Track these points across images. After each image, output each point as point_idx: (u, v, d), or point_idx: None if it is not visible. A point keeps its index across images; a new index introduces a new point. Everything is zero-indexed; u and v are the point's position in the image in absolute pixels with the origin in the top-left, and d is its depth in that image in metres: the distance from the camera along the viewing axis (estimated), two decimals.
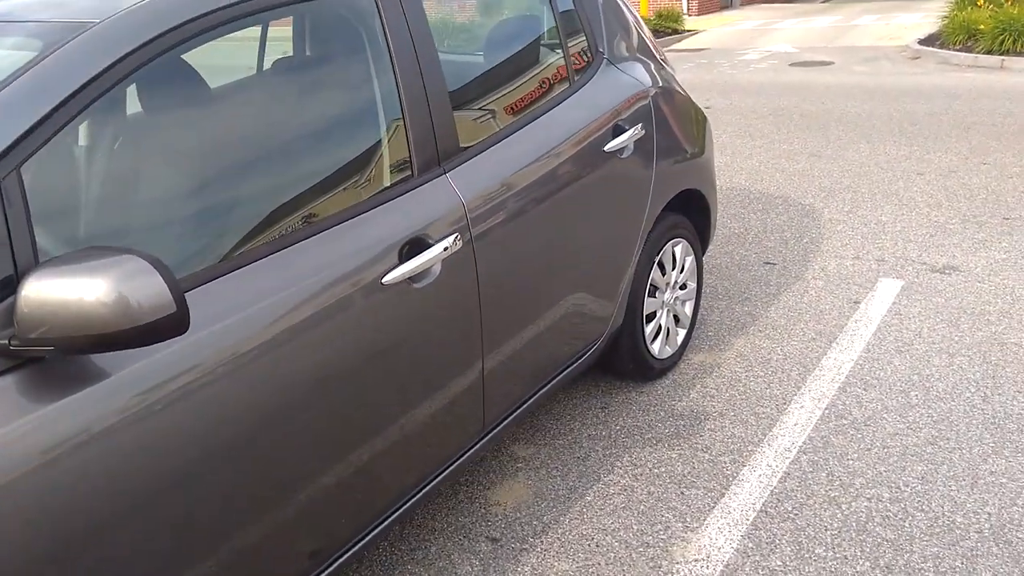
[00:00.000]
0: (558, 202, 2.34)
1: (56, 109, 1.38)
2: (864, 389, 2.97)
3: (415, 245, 1.89)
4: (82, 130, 1.50)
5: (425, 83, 2.00)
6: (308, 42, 2.35)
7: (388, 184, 1.93)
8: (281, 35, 2.72)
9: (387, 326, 1.82)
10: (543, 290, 2.34)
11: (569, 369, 2.58)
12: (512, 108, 2.36)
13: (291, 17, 2.49)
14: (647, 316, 2.94)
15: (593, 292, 2.58)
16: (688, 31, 13.81)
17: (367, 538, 1.92)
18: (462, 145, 2.12)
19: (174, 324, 1.28)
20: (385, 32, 1.95)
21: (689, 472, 2.60)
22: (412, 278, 1.87)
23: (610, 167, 2.56)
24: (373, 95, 1.98)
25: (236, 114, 1.88)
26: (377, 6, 1.95)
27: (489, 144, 2.20)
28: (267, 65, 2.38)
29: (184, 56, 1.66)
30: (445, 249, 1.92)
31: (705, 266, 4.13)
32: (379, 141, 1.98)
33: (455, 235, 1.96)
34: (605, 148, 2.54)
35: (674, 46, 12.70)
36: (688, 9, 16.04)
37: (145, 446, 1.40)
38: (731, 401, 2.97)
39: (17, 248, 1.31)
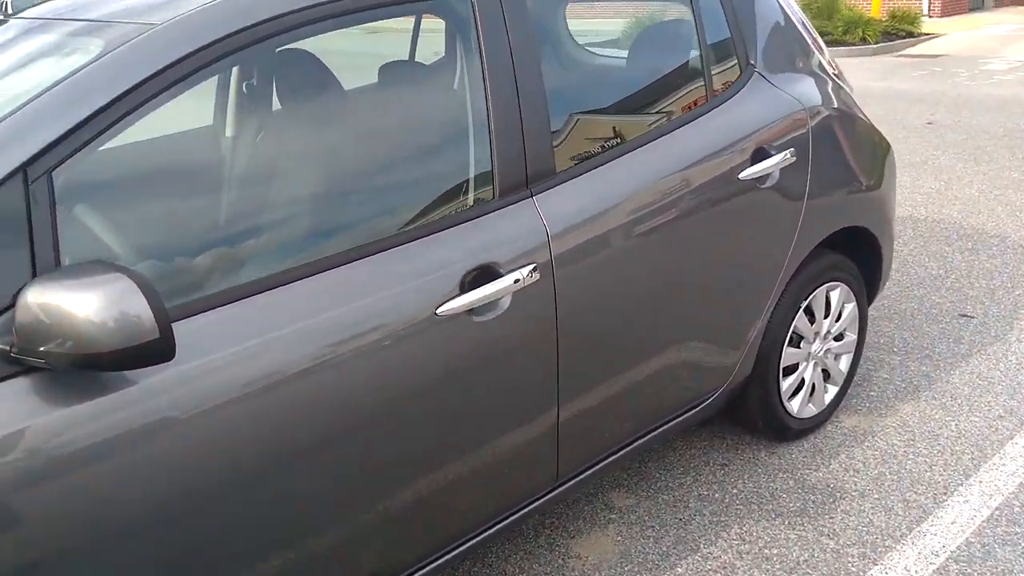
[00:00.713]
0: (672, 235, 2.07)
1: (104, 108, 1.35)
2: None
3: (483, 274, 1.71)
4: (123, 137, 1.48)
5: (520, 95, 1.82)
6: (415, 47, 2.24)
7: (464, 205, 1.77)
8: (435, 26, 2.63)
9: (437, 361, 1.66)
10: (644, 334, 2.08)
11: (674, 422, 2.29)
12: (631, 126, 2.11)
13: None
14: (786, 368, 2.57)
15: (711, 339, 2.27)
16: (926, 34, 12.41)
17: (426, 568, 1.79)
18: (566, 165, 1.92)
19: (156, 351, 1.20)
20: (479, 37, 1.79)
21: (805, 561, 2.22)
22: (474, 310, 1.70)
23: (745, 198, 2.23)
24: (464, 106, 1.83)
25: (321, 122, 1.81)
26: (473, 9, 1.79)
27: (594, 166, 1.97)
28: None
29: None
30: (516, 281, 1.73)
31: (886, 312, 3.60)
32: (462, 157, 1.82)
33: (532, 266, 1.76)
34: (740, 175, 2.21)
35: (906, 51, 11.46)
36: (929, 10, 14.43)
37: (177, 463, 1.36)
38: (878, 480, 2.51)
39: (39, 249, 1.28)
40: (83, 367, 1.19)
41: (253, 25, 1.51)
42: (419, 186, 1.77)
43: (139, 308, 1.18)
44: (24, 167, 1.28)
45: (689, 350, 2.21)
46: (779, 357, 2.51)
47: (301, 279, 1.52)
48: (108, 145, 1.38)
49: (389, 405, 1.61)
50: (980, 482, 2.47)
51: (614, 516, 2.43)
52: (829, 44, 10.35)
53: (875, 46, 11.37)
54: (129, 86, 1.38)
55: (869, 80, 9.12)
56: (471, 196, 1.79)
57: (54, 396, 1.27)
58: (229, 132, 2.14)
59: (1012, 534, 2.26)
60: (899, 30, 12.26)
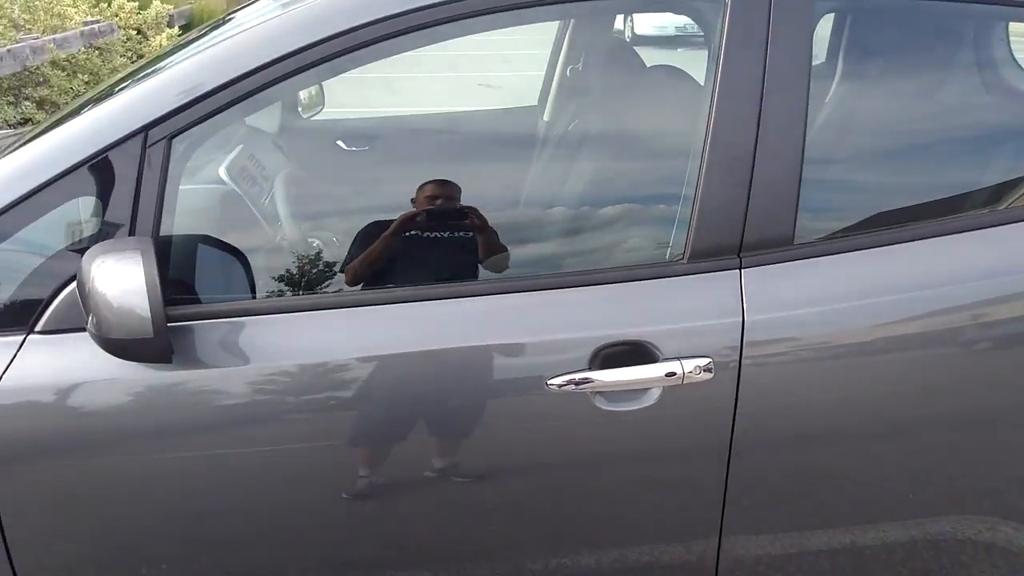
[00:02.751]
0: (948, 372, 1.40)
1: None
2: None
3: (632, 353, 1.32)
4: None
5: (759, 139, 1.34)
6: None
7: (638, 262, 1.40)
8: None
9: (548, 439, 1.34)
10: (881, 497, 1.46)
11: None
12: (932, 204, 1.46)
13: None
14: None
15: (1008, 514, 1.53)
16: None
17: None
18: (818, 234, 1.40)
19: (151, 351, 1.14)
20: (720, 48, 1.35)
21: None
22: (603, 393, 1.32)
23: None
24: (683, 148, 1.42)
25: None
26: (724, 13, 1.35)
27: (861, 246, 1.39)
28: None
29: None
30: (670, 375, 1.30)
31: None
32: (661, 206, 1.43)
33: (705, 360, 1.31)
34: None
35: None
36: None
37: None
38: None
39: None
40: (104, 348, 1.17)
41: None
42: (601, 228, 1.45)
43: (141, 307, 1.12)
44: None
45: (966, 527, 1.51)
46: None
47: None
48: None
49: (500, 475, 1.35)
50: None
51: None
52: None
53: None
54: None
55: None
56: (650, 254, 1.40)
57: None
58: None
59: None
60: None
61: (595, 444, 1.36)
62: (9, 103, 5.89)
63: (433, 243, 1.48)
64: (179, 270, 1.34)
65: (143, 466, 1.29)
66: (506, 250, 1.48)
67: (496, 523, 1.41)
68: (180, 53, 1.48)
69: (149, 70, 1.44)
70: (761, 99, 1.34)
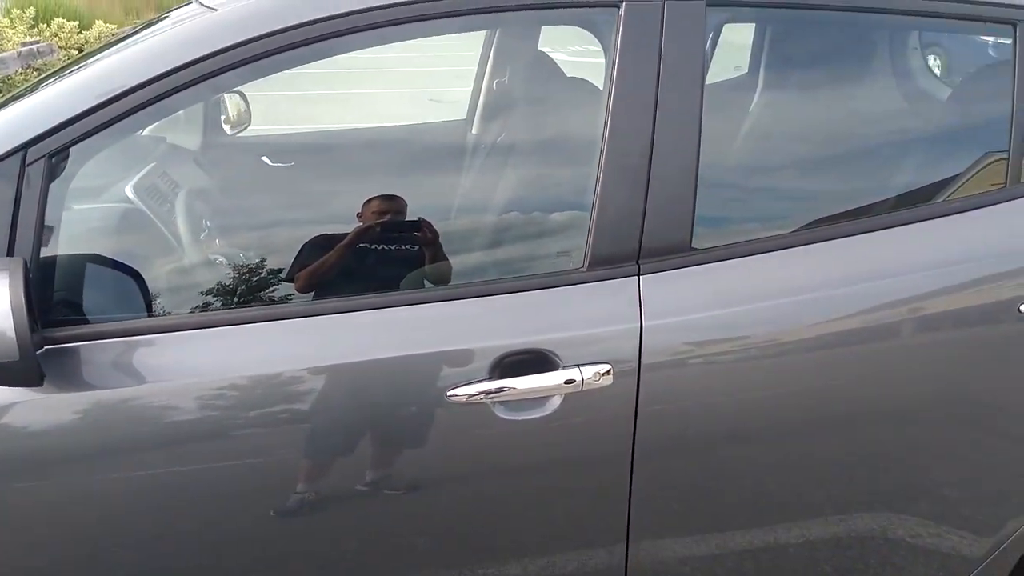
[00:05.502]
0: (844, 373, 1.43)
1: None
2: None
3: (533, 361, 1.32)
4: None
5: (655, 146, 1.35)
6: None
7: (541, 270, 1.39)
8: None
9: (454, 452, 1.34)
10: (785, 498, 1.48)
11: None
12: (829, 208, 1.50)
13: None
14: None
15: (938, 515, 1.55)
16: None
17: None
18: (720, 241, 1.41)
19: (19, 375, 1.11)
20: (613, 72, 1.36)
21: None
22: (503, 403, 1.32)
23: (1019, 340, 1.45)
24: (589, 158, 1.42)
25: None
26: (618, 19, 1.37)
27: (758, 250, 1.41)
28: None
29: None
30: (569, 382, 1.31)
31: None
32: (568, 215, 1.44)
33: (604, 367, 1.32)
34: (1023, 307, 1.44)
35: None
36: None
37: None
38: None
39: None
40: None
41: None
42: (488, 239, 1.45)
43: (7, 328, 1.08)
44: None
45: (901, 526, 1.53)
46: None
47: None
48: None
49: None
50: None
51: None
52: None
53: None
54: None
55: None
56: (557, 262, 1.41)
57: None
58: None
59: None
60: None
61: (499, 454, 1.35)
62: None
63: (381, 255, 1.49)
64: (66, 291, 1.30)
65: (33, 491, 1.25)
66: (448, 261, 1.49)
67: (416, 536, 1.39)
68: (68, 69, 1.45)
69: (34, 88, 1.41)
70: (655, 107, 1.36)
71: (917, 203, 1.58)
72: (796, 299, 1.40)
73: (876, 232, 1.46)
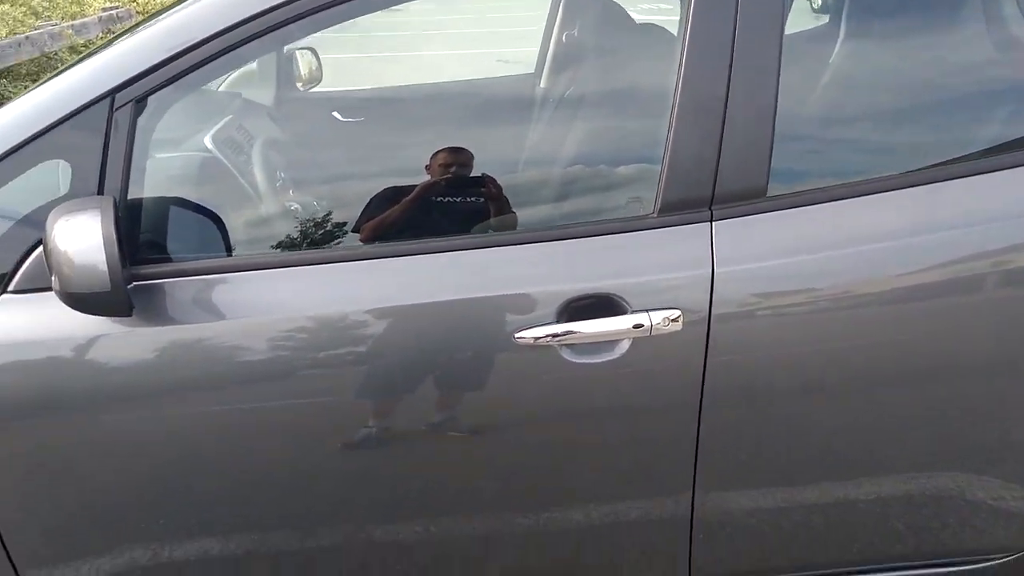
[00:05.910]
0: (924, 326, 1.38)
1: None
2: None
3: (600, 306, 1.32)
4: None
5: (730, 90, 1.32)
6: None
7: (611, 217, 1.38)
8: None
9: (519, 394, 1.35)
10: (849, 451, 1.45)
11: None
12: (910, 155, 1.43)
13: None
14: None
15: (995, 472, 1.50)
16: None
17: None
18: (797, 187, 1.38)
19: (110, 305, 1.16)
20: (689, 14, 1.33)
21: None
22: (570, 346, 1.32)
23: None
24: (661, 104, 1.40)
25: None
26: None
27: (834, 197, 1.37)
28: None
29: None
30: (637, 326, 1.30)
31: None
32: (640, 162, 1.42)
33: (674, 312, 1.30)
34: None
35: None
36: None
37: None
38: None
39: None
40: (66, 302, 1.19)
41: None
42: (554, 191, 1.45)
43: (99, 260, 1.13)
44: None
45: (955, 480, 1.49)
46: None
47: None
48: None
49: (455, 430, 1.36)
50: None
51: None
52: None
53: None
54: None
55: None
56: (623, 209, 1.40)
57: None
58: None
59: None
60: None
61: (565, 398, 1.36)
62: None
63: (447, 207, 1.50)
64: (151, 232, 1.36)
65: (117, 424, 1.31)
66: (514, 213, 1.49)
67: (479, 479, 1.41)
68: (152, 20, 1.49)
69: (122, 37, 1.45)
70: (732, 50, 1.32)
71: (1001, 152, 1.51)
72: (877, 246, 1.36)
73: (959, 180, 1.40)
